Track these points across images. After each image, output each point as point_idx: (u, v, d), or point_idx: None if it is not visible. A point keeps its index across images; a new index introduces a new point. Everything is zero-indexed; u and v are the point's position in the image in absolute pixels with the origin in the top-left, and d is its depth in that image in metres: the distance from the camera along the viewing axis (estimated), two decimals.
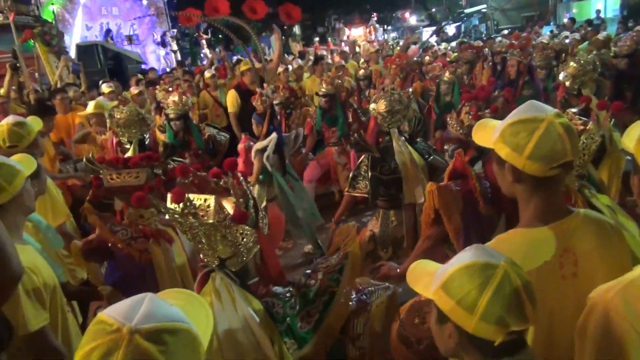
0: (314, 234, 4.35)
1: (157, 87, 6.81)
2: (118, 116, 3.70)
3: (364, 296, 1.81)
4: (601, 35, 7.98)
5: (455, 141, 2.58)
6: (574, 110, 2.14)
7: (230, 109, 5.73)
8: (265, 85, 4.23)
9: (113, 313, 0.91)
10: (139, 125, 3.69)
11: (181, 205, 1.48)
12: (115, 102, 5.37)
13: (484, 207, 2.29)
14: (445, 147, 3.15)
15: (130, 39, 13.60)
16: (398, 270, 2.67)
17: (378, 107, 3.33)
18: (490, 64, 7.52)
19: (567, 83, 3.95)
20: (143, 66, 12.10)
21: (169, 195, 1.51)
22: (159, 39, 14.81)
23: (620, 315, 1.07)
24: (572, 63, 3.74)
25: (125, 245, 2.09)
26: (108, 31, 13.14)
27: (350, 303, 1.72)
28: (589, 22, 13.06)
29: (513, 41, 6.91)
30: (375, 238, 3.42)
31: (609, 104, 1.94)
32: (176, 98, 4.45)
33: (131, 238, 2.12)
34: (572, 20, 14.63)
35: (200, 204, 1.50)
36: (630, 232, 1.58)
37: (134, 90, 6.48)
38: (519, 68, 5.51)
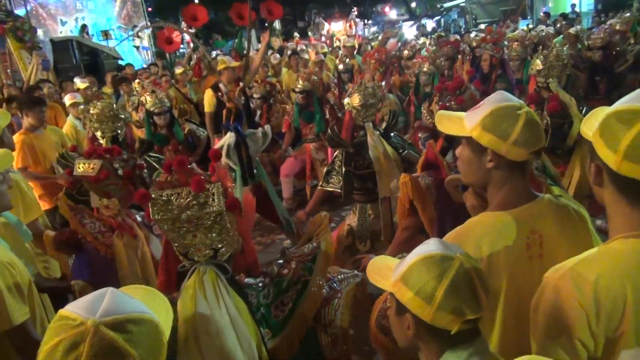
0: (293, 229, 4.35)
1: (136, 82, 6.76)
2: (92, 111, 3.70)
3: (335, 284, 1.84)
4: (573, 30, 8.13)
5: (426, 130, 2.62)
6: None
7: (206, 109, 5.73)
8: (241, 84, 4.20)
9: (75, 308, 0.91)
10: (112, 120, 3.68)
11: (191, 196, 1.45)
12: (80, 100, 5.35)
13: (457, 196, 2.33)
14: (420, 134, 3.18)
15: (106, 34, 13.37)
16: None
17: (352, 101, 3.34)
18: (469, 57, 7.61)
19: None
20: (120, 62, 11.92)
21: (158, 190, 1.49)
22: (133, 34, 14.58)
23: (569, 293, 1.12)
24: (537, 60, 3.81)
25: (93, 238, 2.11)
26: (84, 26, 12.88)
27: (322, 291, 1.74)
28: (564, 16, 13.27)
29: (486, 35, 7.00)
30: (354, 232, 3.44)
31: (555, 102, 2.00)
32: (161, 93, 4.50)
33: (99, 232, 2.14)
34: (547, 14, 14.93)
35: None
36: None
37: (139, 87, 6.46)
38: (492, 62, 5.59)
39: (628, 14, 7.10)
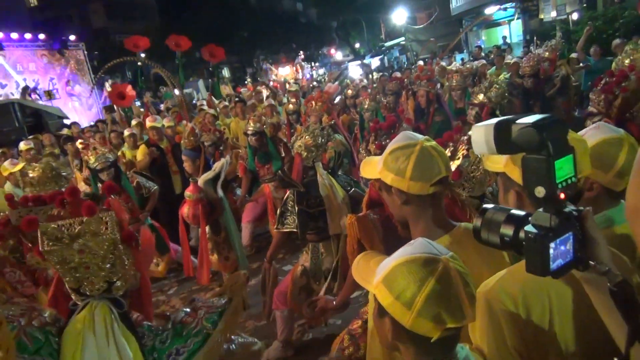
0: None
1: (78, 142, 6.62)
2: (31, 174, 3.51)
3: (233, 346, 1.82)
4: (510, 59, 8.68)
5: None
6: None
7: (139, 165, 5.89)
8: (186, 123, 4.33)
9: None
10: (55, 181, 3.53)
11: (83, 224, 1.42)
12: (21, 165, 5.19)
13: (403, 231, 2.37)
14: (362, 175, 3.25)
15: (49, 94, 13.08)
16: (334, 302, 2.71)
17: (303, 142, 3.40)
18: (410, 93, 7.94)
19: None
20: (65, 121, 11.66)
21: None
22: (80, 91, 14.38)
23: (497, 299, 1.21)
24: (479, 95, 4.07)
25: (11, 289, 2.03)
26: (25, 88, 12.57)
27: (221, 348, 1.70)
28: (497, 47, 14.10)
29: (419, 73, 7.35)
30: (307, 272, 3.44)
31: None
32: (103, 149, 4.42)
33: (18, 281, 2.06)
34: (479, 48, 15.95)
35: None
36: None
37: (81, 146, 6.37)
38: (429, 97, 5.83)
39: (553, 41, 7.60)
